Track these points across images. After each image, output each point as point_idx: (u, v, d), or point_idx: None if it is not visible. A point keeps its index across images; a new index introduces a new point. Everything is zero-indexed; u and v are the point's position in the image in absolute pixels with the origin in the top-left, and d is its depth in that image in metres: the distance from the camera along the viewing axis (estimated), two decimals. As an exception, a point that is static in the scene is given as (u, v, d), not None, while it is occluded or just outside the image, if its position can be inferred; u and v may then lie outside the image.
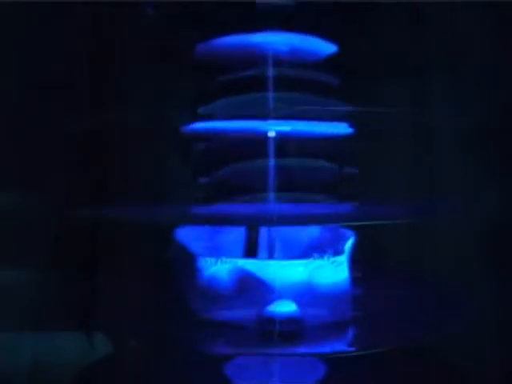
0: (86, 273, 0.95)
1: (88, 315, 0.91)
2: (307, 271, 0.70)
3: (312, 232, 0.84)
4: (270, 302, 0.68)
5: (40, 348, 1.05)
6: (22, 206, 1.03)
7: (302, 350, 0.68)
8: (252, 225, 0.81)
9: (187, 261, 0.75)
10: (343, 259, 0.74)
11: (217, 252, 0.81)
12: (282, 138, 0.80)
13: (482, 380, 0.79)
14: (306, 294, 0.69)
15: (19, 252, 1.03)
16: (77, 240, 0.98)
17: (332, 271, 0.72)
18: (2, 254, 1.02)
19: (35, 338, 1.05)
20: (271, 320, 0.67)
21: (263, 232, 0.81)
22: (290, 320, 0.67)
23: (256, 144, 0.85)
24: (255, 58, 0.80)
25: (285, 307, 0.67)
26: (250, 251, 0.85)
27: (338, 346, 0.69)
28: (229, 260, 0.71)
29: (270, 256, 0.78)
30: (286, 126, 0.79)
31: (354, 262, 0.76)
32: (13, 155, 0.98)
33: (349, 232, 0.79)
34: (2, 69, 0.94)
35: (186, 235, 0.82)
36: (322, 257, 0.72)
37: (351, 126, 0.79)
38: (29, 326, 1.05)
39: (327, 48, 0.81)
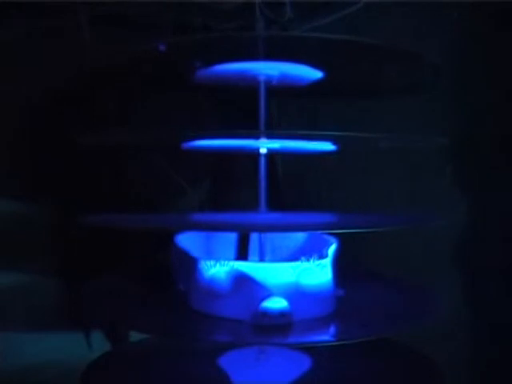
0: (94, 274, 1.02)
1: (95, 313, 0.99)
2: (296, 272, 0.79)
3: (299, 238, 0.93)
4: (264, 298, 0.76)
5: (46, 346, 1.12)
6: (33, 213, 1.10)
7: (290, 340, 0.77)
8: (244, 231, 0.90)
9: (188, 262, 0.84)
10: (327, 262, 0.84)
11: (213, 255, 0.90)
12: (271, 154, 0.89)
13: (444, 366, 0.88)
14: (294, 292, 0.78)
15: (30, 256, 1.09)
16: (85, 244, 1.06)
17: (317, 273, 0.82)
18: (13, 259, 1.09)
19: (41, 337, 1.11)
20: (265, 314, 0.76)
21: (257, 238, 0.90)
22: (281, 314, 0.76)
23: (249, 159, 0.94)
24: (249, 81, 0.89)
25: (276, 303, 0.76)
26: (243, 255, 0.94)
27: (322, 336, 0.78)
28: (227, 262, 0.80)
29: (262, 259, 0.88)
30: (276, 144, 0.89)
31: (336, 264, 0.85)
32: (26, 167, 1.06)
33: (332, 238, 0.88)
34: (19, 87, 1.02)
35: (185, 240, 0.90)
36: (308, 260, 0.81)
37: (335, 143, 0.87)
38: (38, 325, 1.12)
39: (313, 74, 0.90)
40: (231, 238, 0.96)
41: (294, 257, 0.85)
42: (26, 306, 1.10)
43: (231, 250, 0.96)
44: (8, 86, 1.03)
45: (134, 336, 1.10)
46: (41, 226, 1.09)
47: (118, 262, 1.09)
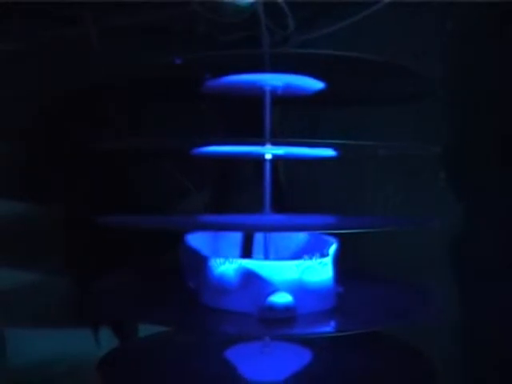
0: (101, 273, 1.07)
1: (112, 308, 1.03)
2: (299, 270, 0.85)
3: (301, 238, 0.99)
4: (270, 294, 0.82)
5: (55, 343, 1.16)
6: (45, 214, 1.14)
7: (295, 331, 0.83)
8: (252, 231, 0.96)
9: (198, 261, 0.90)
10: (328, 261, 0.90)
11: (219, 254, 0.95)
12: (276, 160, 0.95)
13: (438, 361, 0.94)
14: (298, 288, 0.84)
15: (41, 256, 1.14)
16: (94, 244, 1.11)
17: (319, 270, 0.88)
18: (25, 258, 1.14)
19: (50, 334, 1.16)
20: (271, 308, 0.82)
21: (260, 238, 0.96)
22: (285, 308, 0.82)
23: (252, 164, 1.00)
24: (256, 92, 0.95)
25: (282, 298, 0.82)
26: (248, 254, 1.00)
27: (324, 328, 0.84)
28: (235, 260, 0.86)
29: (266, 258, 0.94)
30: (280, 150, 0.95)
31: (336, 263, 0.92)
32: (45, 171, 1.12)
33: (332, 239, 0.94)
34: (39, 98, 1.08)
35: (194, 240, 0.96)
36: (310, 258, 0.87)
37: (335, 150, 0.93)
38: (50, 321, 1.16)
39: (315, 85, 0.96)
40: (236, 238, 1.02)
41: (296, 256, 0.91)
42: (36, 303, 1.14)
43: (236, 249, 1.02)
44: (23, 93, 1.09)
45: (141, 332, 1.16)
46: (51, 227, 1.14)
47: (128, 261, 1.15)
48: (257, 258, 0.93)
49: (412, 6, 1.08)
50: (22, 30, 1.09)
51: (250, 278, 0.84)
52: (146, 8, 1.07)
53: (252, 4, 1.06)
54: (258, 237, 1.00)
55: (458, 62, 1.10)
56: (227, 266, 0.85)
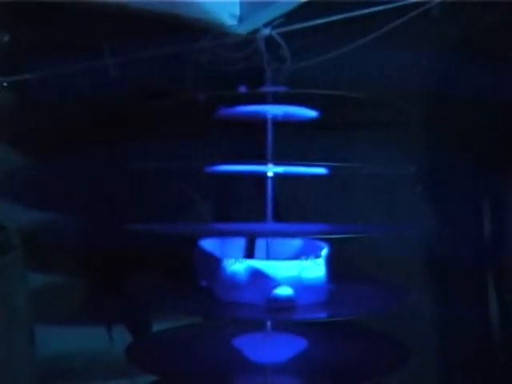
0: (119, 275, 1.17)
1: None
2: (298, 268, 1.03)
3: (297, 243, 1.17)
4: (274, 288, 1.00)
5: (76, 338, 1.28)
6: (71, 222, 1.29)
7: (295, 317, 1.01)
8: (256, 237, 1.14)
9: (212, 262, 1.06)
10: (321, 262, 1.07)
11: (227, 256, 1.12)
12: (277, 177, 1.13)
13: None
14: (297, 283, 1.02)
15: (70, 259, 1.29)
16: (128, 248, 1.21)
17: (314, 269, 1.05)
18: (55, 261, 1.28)
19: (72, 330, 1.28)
20: (275, 300, 1.00)
21: (261, 243, 1.14)
22: (287, 300, 1.00)
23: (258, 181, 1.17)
24: (259, 119, 1.13)
25: (284, 291, 1.00)
26: (250, 256, 1.17)
27: (319, 315, 1.02)
28: (244, 261, 1.03)
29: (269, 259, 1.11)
30: (280, 168, 1.12)
31: (328, 264, 1.09)
32: (78, 184, 1.27)
33: (324, 243, 1.11)
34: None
35: (205, 244, 1.13)
36: (307, 259, 1.05)
37: (327, 168, 1.11)
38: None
39: (310, 113, 1.14)
40: (240, 243, 1.19)
41: (294, 258, 1.09)
42: (62, 303, 1.28)
43: (240, 252, 1.18)
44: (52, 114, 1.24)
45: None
46: (77, 234, 1.28)
47: (144, 263, 1.25)
48: (261, 259, 1.10)
49: (400, 38, 1.15)
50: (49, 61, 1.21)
51: (257, 275, 1.01)
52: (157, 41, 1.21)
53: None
54: (259, 242, 1.17)
55: (432, 96, 1.27)
56: (238, 266, 1.02)
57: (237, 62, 1.20)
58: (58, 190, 1.27)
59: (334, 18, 1.07)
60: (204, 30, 1.12)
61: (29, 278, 1.19)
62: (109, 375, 1.32)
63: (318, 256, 1.07)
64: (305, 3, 1.04)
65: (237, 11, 1.11)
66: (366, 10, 1.06)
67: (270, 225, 1.10)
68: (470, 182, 1.25)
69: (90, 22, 1.13)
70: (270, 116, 1.13)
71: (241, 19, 1.12)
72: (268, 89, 1.08)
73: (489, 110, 1.20)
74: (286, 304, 0.99)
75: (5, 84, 1.24)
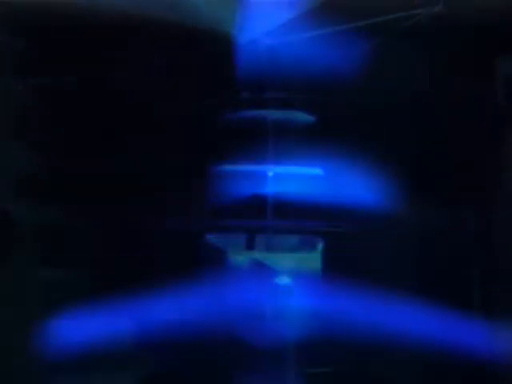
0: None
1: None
2: (295, 260, 1.12)
3: (296, 238, 1.24)
4: (275, 277, 1.09)
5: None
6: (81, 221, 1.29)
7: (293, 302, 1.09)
8: (259, 232, 1.22)
9: (218, 255, 1.15)
10: (317, 255, 1.16)
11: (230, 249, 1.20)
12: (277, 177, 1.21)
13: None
14: (295, 274, 1.11)
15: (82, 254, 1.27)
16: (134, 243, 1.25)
17: (309, 261, 1.14)
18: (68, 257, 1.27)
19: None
20: (276, 288, 1.08)
21: (265, 238, 1.22)
22: (287, 288, 1.08)
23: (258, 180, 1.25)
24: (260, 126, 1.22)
25: (284, 280, 1.09)
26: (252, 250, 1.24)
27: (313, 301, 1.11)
28: (248, 253, 1.11)
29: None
30: (281, 169, 1.21)
31: (323, 257, 1.18)
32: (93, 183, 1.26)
33: (319, 239, 1.19)
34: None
35: (211, 238, 1.20)
36: (304, 252, 1.14)
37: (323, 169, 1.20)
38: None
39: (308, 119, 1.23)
40: (239, 238, 1.26)
41: (293, 249, 1.17)
42: (73, 298, 1.22)
43: (240, 247, 1.24)
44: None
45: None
46: (88, 233, 1.26)
47: (161, 258, 1.23)
48: (261, 252, 1.18)
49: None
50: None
51: (259, 266, 1.10)
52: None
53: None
54: (258, 237, 1.24)
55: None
56: (242, 258, 1.11)
57: (237, 68, 1.22)
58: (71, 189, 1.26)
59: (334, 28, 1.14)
60: (205, 38, 1.14)
61: (40, 273, 1.20)
62: (114, 368, 1.26)
63: (314, 249, 1.15)
64: (304, 13, 1.11)
65: (237, 19, 1.14)
66: (360, 23, 1.14)
67: (273, 221, 1.18)
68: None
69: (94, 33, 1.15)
70: (270, 120, 1.21)
71: (241, 27, 1.15)
72: (268, 95, 1.16)
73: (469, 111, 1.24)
74: (286, 291, 1.08)
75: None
